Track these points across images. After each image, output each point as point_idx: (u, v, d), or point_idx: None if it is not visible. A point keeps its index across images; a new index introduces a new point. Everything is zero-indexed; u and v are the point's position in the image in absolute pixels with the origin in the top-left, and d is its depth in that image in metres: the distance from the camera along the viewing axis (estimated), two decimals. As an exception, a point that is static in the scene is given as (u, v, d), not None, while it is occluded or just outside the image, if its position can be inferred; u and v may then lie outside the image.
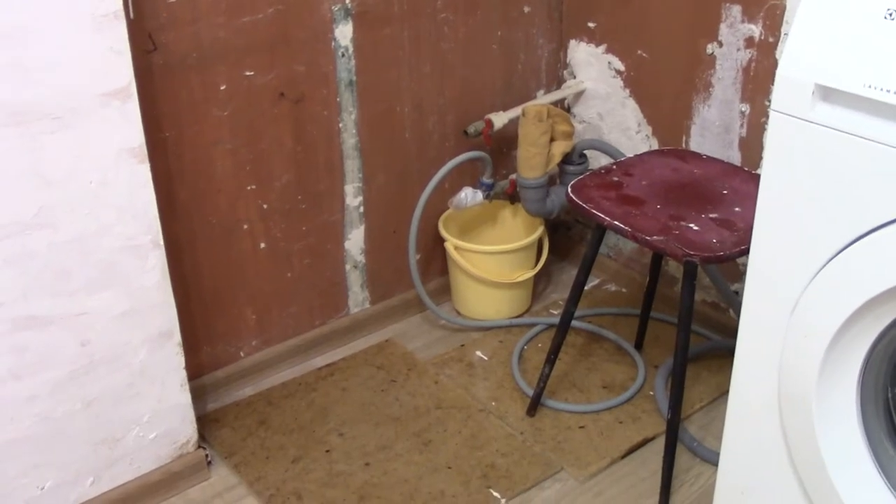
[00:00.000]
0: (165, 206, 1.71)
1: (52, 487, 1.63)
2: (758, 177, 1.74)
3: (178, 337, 1.72)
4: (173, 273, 1.68)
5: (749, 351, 1.30)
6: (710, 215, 1.64)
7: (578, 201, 1.68)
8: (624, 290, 2.44)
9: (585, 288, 2.42)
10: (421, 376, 2.12)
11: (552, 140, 2.13)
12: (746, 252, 1.56)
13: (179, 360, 1.74)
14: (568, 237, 2.59)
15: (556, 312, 2.35)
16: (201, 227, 1.91)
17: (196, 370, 1.99)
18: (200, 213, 1.89)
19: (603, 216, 1.64)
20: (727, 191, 1.72)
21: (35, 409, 1.56)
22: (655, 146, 2.25)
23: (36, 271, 1.49)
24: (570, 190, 1.71)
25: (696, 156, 1.86)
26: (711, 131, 2.11)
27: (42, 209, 1.46)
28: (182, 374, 1.75)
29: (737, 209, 1.66)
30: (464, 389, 2.08)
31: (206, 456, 1.84)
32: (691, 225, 1.61)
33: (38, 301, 1.50)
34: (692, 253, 1.54)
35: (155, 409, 1.73)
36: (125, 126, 1.50)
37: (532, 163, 2.13)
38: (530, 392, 2.02)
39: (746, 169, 1.83)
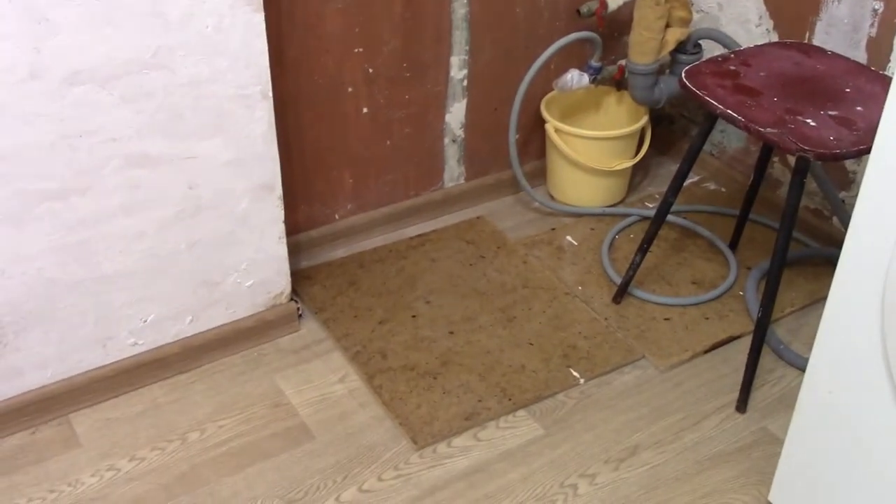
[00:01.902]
0: (275, 60, 1.72)
1: (154, 321, 1.72)
2: (885, 77, 1.66)
3: (279, 190, 1.76)
4: (277, 129, 1.70)
5: (856, 253, 1.26)
6: (830, 112, 1.58)
7: (692, 87, 1.63)
8: (723, 189, 2.38)
9: (684, 183, 2.39)
10: (510, 255, 2.13)
11: (668, 26, 2.06)
12: (864, 152, 1.50)
13: (279, 213, 1.78)
14: (670, 131, 2.52)
15: (651, 205, 2.32)
16: (307, 85, 1.92)
17: (292, 228, 2.04)
18: (307, 72, 1.91)
19: (716, 104, 1.59)
20: (850, 89, 1.65)
21: (143, 244, 1.63)
22: (775, 39, 2.15)
23: (151, 111, 1.53)
24: (683, 75, 1.66)
25: (821, 51, 1.77)
26: (839, 29, 2.01)
27: (160, 49, 1.48)
28: (280, 228, 1.79)
29: (859, 108, 1.59)
30: (551, 271, 2.09)
31: (298, 309, 1.90)
32: (808, 120, 1.55)
33: (151, 140, 1.55)
34: (806, 148, 1.49)
35: (253, 258, 1.78)
36: (243, -28, 1.51)
37: (645, 48, 2.06)
38: (618, 280, 2.02)
39: (874, 69, 1.74)
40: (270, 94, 1.64)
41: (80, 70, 1.43)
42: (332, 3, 1.85)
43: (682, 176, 1.79)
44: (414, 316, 1.94)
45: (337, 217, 2.14)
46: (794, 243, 2.16)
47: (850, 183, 2.08)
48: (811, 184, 2.17)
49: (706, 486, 1.60)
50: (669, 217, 2.20)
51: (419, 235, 2.19)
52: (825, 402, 1.36)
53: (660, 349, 1.88)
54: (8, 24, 1.34)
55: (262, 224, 1.76)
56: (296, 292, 1.95)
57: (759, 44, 1.82)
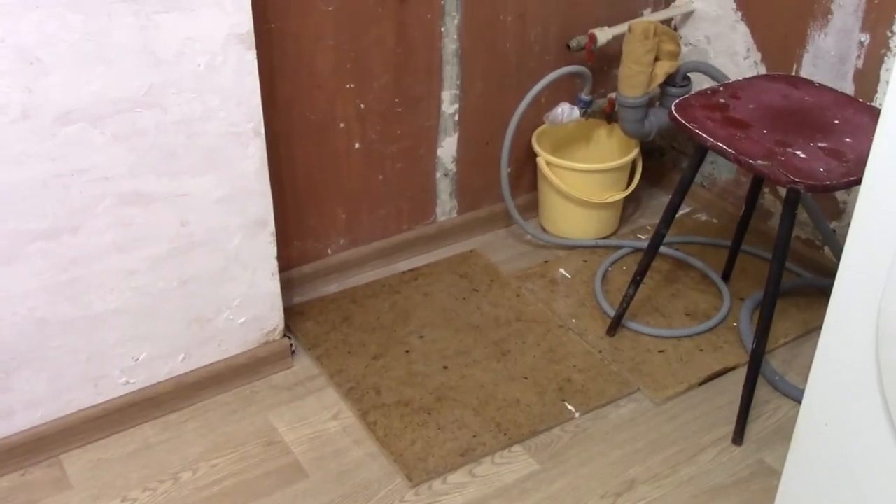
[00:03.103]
0: (267, 97, 1.72)
1: (146, 359, 1.70)
2: (873, 108, 1.68)
3: (272, 226, 1.76)
4: (270, 165, 1.70)
5: (849, 284, 1.26)
6: (819, 144, 1.59)
7: (682, 120, 1.65)
8: (715, 220, 2.39)
9: (677, 215, 2.40)
10: (503, 288, 2.13)
11: (656, 59, 2.08)
12: (855, 184, 1.51)
13: (272, 249, 1.78)
14: (661, 163, 2.54)
15: (643, 237, 2.32)
16: (299, 121, 1.93)
17: (285, 263, 2.04)
18: (299, 108, 1.91)
19: (706, 136, 1.60)
20: (839, 120, 1.66)
21: (135, 283, 1.62)
22: (764, 72, 2.17)
23: (143, 149, 1.53)
24: (673, 108, 1.67)
25: (808, 83, 1.79)
26: (825, 61, 2.03)
27: (152, 87, 1.49)
28: (273, 264, 1.79)
29: (847, 140, 1.60)
30: (545, 304, 2.08)
31: (291, 345, 1.89)
32: (798, 152, 1.56)
33: (143, 178, 1.55)
34: (797, 180, 1.49)
35: (245, 294, 1.78)
36: (235, 11, 1.51)
37: (634, 81, 2.08)
38: (611, 312, 2.02)
39: (861, 100, 1.75)
40: (262, 131, 1.65)
41: (72, 109, 1.43)
42: (324, 40, 1.86)
43: (673, 208, 1.80)
44: (407, 351, 1.94)
45: (330, 252, 2.14)
46: (787, 273, 2.16)
47: (841, 213, 2.09)
48: (802, 214, 2.18)
49: (704, 520, 1.59)
50: (662, 249, 2.20)
51: (412, 270, 2.19)
52: (821, 435, 1.35)
53: (655, 381, 1.87)
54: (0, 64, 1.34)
55: (254, 260, 1.76)
56: (289, 328, 1.94)
57: (747, 76, 1.84)
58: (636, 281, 1.92)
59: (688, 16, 2.31)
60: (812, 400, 1.36)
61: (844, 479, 1.33)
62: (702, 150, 1.70)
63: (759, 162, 1.53)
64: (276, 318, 1.85)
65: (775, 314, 2.01)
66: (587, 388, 1.85)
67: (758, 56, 2.18)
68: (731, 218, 2.35)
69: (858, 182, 1.51)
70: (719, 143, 1.58)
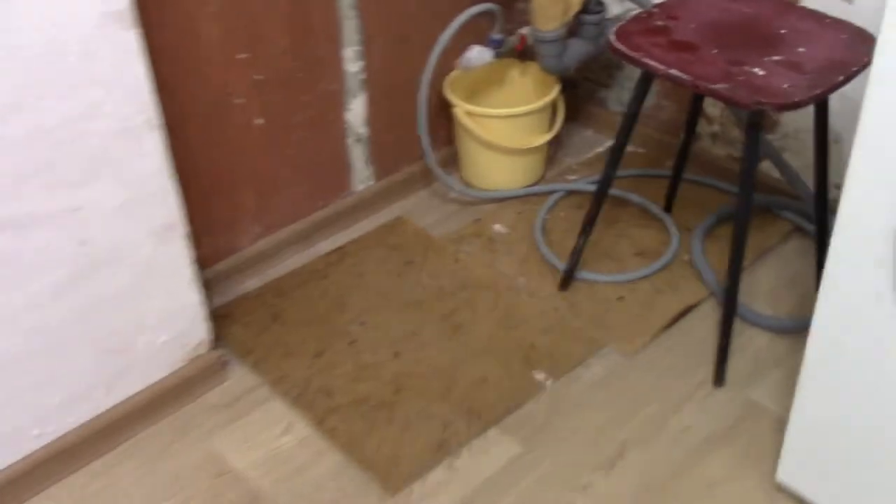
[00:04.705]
0: (154, 79, 1.48)
1: (63, 402, 1.47)
2: (816, 13, 1.57)
3: (183, 228, 1.53)
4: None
5: (860, 186, 1.13)
6: (773, 58, 1.47)
7: (626, 50, 1.50)
8: (641, 149, 2.28)
9: (598, 150, 2.27)
10: (439, 255, 1.96)
11: (570, -14, 1.92)
12: (822, 96, 1.40)
13: (186, 254, 1.56)
14: (575, 96, 2.40)
15: (572, 178, 2.19)
16: (190, 104, 1.69)
17: (198, 264, 1.81)
18: (188, 89, 1.67)
19: (657, 65, 1.46)
20: (785, 30, 1.54)
21: (30, 321, 1.38)
22: (677, -11, 2.04)
23: (17, 164, 1.27)
24: (614, 39, 1.52)
25: (742, -6, 1.67)
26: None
27: (18, 89, 1.23)
28: (190, 270, 1.57)
29: (801, 49, 1.49)
30: (488, 266, 1.93)
31: (222, 356, 1.68)
32: (755, 70, 1.44)
33: (20, 200, 1.29)
34: (763, 101, 1.37)
35: (163, 309, 1.55)
36: (106, -16, 1.27)
37: (549, 13, 1.92)
38: (560, 265, 1.88)
39: (801, 5, 1.64)
40: (158, 121, 1.41)
41: (-78, 128, 1.17)
42: (206, 6, 1.62)
43: (619, 148, 1.66)
44: (352, 342, 1.75)
45: (244, 244, 1.92)
46: (722, 194, 2.08)
47: (775, 125, 2.00)
48: (733, 131, 2.09)
49: (707, 476, 1.49)
50: (591, 187, 2.08)
51: (337, 249, 2.00)
52: (834, 360, 1.25)
53: (621, 334, 1.75)
54: None
55: (169, 270, 1.53)
56: (216, 337, 1.72)
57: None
58: (585, 230, 1.78)
59: (588, -64, 2.15)
60: (821, 323, 1.26)
61: (864, 403, 1.23)
62: (646, 82, 1.56)
63: (720, 85, 1.41)
64: (201, 331, 1.63)
65: (722, 240, 1.93)
66: (553, 353, 1.71)
67: (669, -29, 2.04)
68: (658, 145, 2.25)
69: (826, 94, 1.40)
70: (672, 71, 1.44)
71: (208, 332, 1.65)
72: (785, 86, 1.40)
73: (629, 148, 2.24)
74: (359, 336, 1.76)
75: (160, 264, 1.51)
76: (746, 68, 1.44)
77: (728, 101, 1.42)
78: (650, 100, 2.25)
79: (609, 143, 2.31)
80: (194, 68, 1.66)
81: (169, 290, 1.54)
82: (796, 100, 1.37)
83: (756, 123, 1.45)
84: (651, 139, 2.27)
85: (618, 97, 2.32)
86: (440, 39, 1.96)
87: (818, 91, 1.39)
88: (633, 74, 2.24)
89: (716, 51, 1.49)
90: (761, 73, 1.43)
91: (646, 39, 1.52)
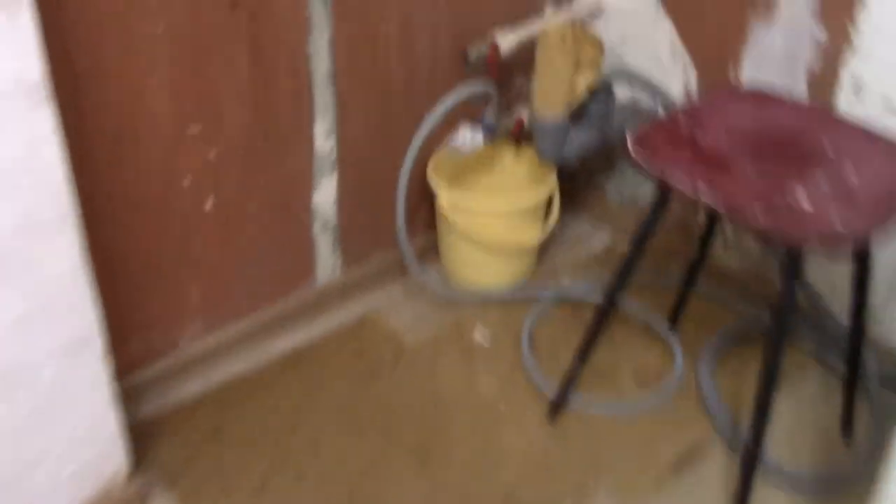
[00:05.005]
0: (80, 160, 1.23)
1: (-73, 558, 1.18)
2: (863, 129, 1.35)
3: (100, 342, 1.26)
4: (91, 242, 1.21)
5: None
6: (820, 181, 1.24)
7: (648, 161, 1.26)
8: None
9: (594, 247, 2.04)
10: (411, 366, 1.70)
11: (576, 69, 1.69)
12: (880, 234, 1.17)
13: (104, 371, 1.29)
14: (571, 184, 2.16)
15: (565, 280, 1.95)
16: (129, 185, 1.43)
17: (125, 366, 1.54)
18: (127, 167, 1.41)
19: (684, 182, 1.22)
20: (828, 144, 1.32)
21: None
22: (693, 78, 1.83)
23: None
24: (633, 146, 1.29)
25: (776, 99, 1.44)
26: (772, 61, 1.70)
27: None
28: (108, 390, 1.30)
29: (849, 171, 1.26)
30: (466, 383, 1.67)
31: (143, 487, 1.40)
32: (799, 196, 1.21)
33: None
34: (812, 239, 1.14)
35: (72, 437, 1.28)
36: (16, 53, 1.01)
37: (552, 98, 1.69)
38: (548, 389, 1.63)
39: (845, 118, 1.42)
40: (74, 215, 1.15)
41: None
42: (154, 74, 1.37)
43: (628, 266, 1.42)
44: (299, 476, 1.48)
45: (183, 342, 1.65)
46: (728, 311, 1.84)
47: (798, 239, 1.77)
48: (745, 240, 1.86)
49: None
50: (586, 295, 1.85)
51: (293, 352, 1.73)
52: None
53: (617, 480, 1.50)
54: None
55: (80, 391, 1.26)
56: (138, 459, 1.45)
57: (709, 93, 1.48)
58: (581, 356, 1.53)
59: (596, 11, 1.93)
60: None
61: None
62: (667, 196, 1.32)
63: (760, 217, 1.17)
64: (117, 458, 1.36)
65: (736, 365, 1.71)
66: (539, 502, 1.45)
67: (687, 57, 1.83)
68: (660, 246, 2.01)
69: (883, 232, 1.17)
70: (701, 191, 1.21)
71: (127, 457, 1.38)
72: (835, 221, 1.16)
73: (626, 245, 2.02)
74: (310, 468, 1.49)
75: (69, 385, 1.24)
76: (789, 194, 1.21)
77: (767, 236, 1.18)
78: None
79: (606, 238, 2.08)
80: (137, 143, 1.41)
81: (80, 414, 1.27)
82: (849, 239, 1.14)
83: (796, 261, 1.21)
84: (656, 239, 2.03)
85: (618, 186, 2.09)
86: (426, 121, 1.72)
87: (874, 229, 1.16)
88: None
89: (750, 168, 1.26)
90: (806, 200, 1.20)
91: (670, 150, 1.29)
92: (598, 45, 1.69)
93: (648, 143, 1.29)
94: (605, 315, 1.46)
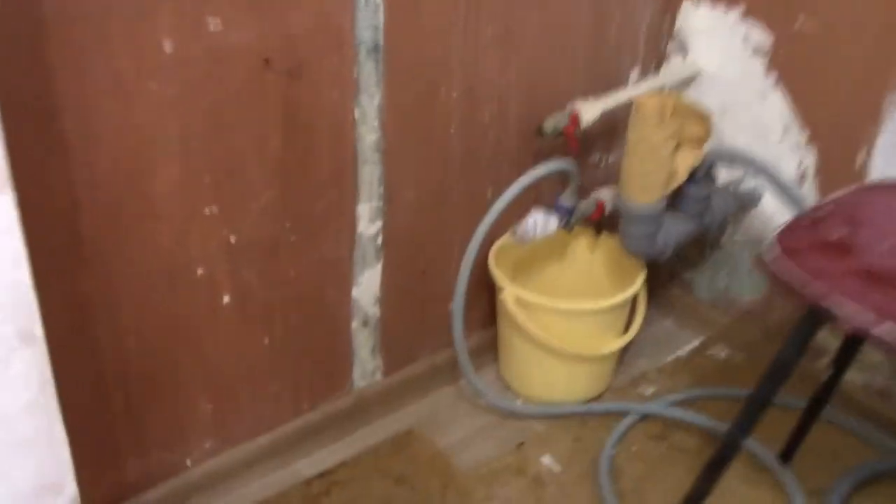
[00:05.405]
0: (67, 241, 0.97)
1: None
2: None
3: (72, 489, 0.97)
4: (78, 344, 0.95)
5: None
6: None
7: (801, 278, 0.95)
8: (739, 356, 1.73)
9: (680, 352, 1.73)
10: (462, 500, 1.39)
11: (676, 148, 1.40)
12: None
13: (77, 521, 0.99)
14: (655, 273, 1.86)
15: (649, 391, 1.63)
16: (129, 275, 1.16)
17: (116, 492, 1.26)
18: (126, 254, 1.14)
19: (864, 316, 0.91)
20: None
21: None
22: (811, 160, 1.53)
23: None
24: (775, 254, 0.98)
25: (942, 191, 1.14)
26: (914, 145, 1.40)
27: None
28: (81, 548, 1.00)
29: None
30: (531, 526, 1.36)
31: None
32: None
33: None
34: None
35: None
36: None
37: (647, 182, 1.40)
38: (635, 537, 1.31)
39: None
40: (38, 331, 0.87)
41: None
42: (163, 142, 1.10)
43: (762, 402, 1.10)
44: None
45: (190, 463, 1.36)
46: (866, 445, 1.51)
47: (942, 359, 1.45)
48: (871, 355, 1.54)
49: None
50: (677, 413, 1.54)
51: (321, 476, 1.43)
52: None
53: None
54: None
55: (42, 552, 0.96)
56: None
57: (851, 189, 1.17)
58: (688, 506, 1.21)
59: (690, 79, 1.65)
60: None
61: None
62: (816, 321, 1.01)
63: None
64: None
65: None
66: None
67: (803, 134, 1.53)
68: (761, 353, 1.69)
69: None
70: (875, 324, 0.90)
71: None
72: None
73: (721, 353, 1.71)
74: None
75: (28, 545, 0.95)
76: None
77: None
78: (756, 293, 1.70)
79: (694, 343, 1.77)
80: (139, 224, 1.14)
81: (41, 580, 0.98)
82: None
83: None
84: (752, 345, 1.72)
85: (710, 283, 1.78)
86: (495, 205, 1.44)
87: None
88: (732, 257, 1.71)
89: (935, 290, 0.95)
90: None
91: (821, 260, 0.98)
92: (705, 121, 1.39)
93: (795, 251, 0.98)
94: (723, 462, 1.14)
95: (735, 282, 1.74)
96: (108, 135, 1.05)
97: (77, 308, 1.12)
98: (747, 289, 1.72)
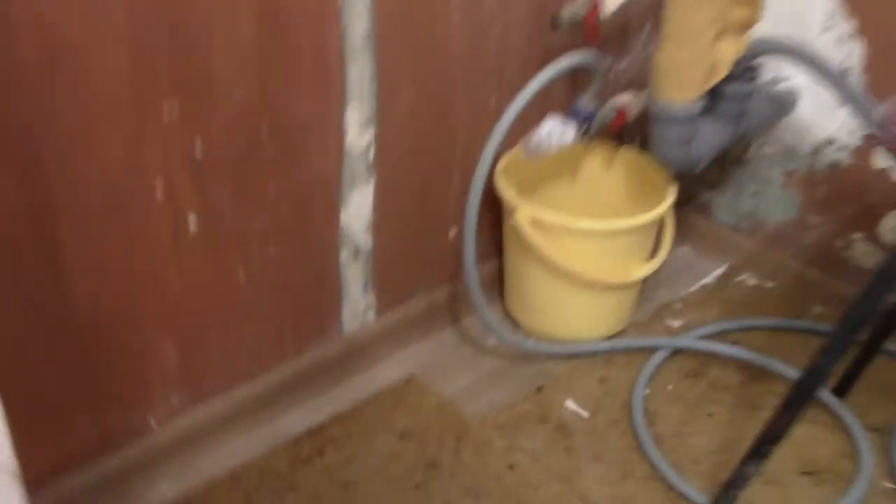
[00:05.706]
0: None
1: None
2: None
3: (9, 459, 0.75)
4: (10, 292, 0.74)
5: None
6: None
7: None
8: (770, 283, 1.55)
9: (705, 280, 1.55)
10: (480, 453, 1.20)
11: (720, 34, 1.19)
12: None
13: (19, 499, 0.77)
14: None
15: (676, 324, 1.45)
16: (70, 195, 0.92)
17: (65, 461, 1.03)
18: (70, 169, 0.91)
19: None
20: None
21: None
22: (858, 52, 1.33)
23: None
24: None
25: None
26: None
27: None
28: (23, 534, 0.78)
29: None
30: (564, 483, 1.16)
31: None
32: None
33: None
34: None
35: None
36: None
37: (684, 76, 1.19)
38: (682, 485, 1.13)
39: None
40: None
41: None
42: (106, 23, 0.86)
43: (842, 345, 0.91)
44: None
45: (153, 423, 1.13)
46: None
47: None
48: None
49: None
50: (714, 346, 1.35)
51: (311, 432, 1.22)
52: None
53: None
54: None
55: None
56: None
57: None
58: (760, 451, 1.02)
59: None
60: None
61: None
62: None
63: None
64: None
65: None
66: None
67: (849, 23, 1.34)
68: (797, 281, 1.52)
69: None
70: None
71: None
72: None
73: (750, 280, 1.53)
74: None
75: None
76: None
77: None
78: (789, 213, 1.52)
79: (719, 269, 1.58)
80: (85, 136, 0.90)
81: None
82: None
83: None
84: (784, 270, 1.54)
85: (732, 204, 1.59)
86: (513, 103, 1.21)
87: None
88: (759, 173, 1.52)
89: None
90: None
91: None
92: (753, 0, 1.18)
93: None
94: (805, 399, 0.95)
95: (763, 202, 1.55)
96: (32, 20, 0.81)
97: (7, 239, 0.88)
98: (778, 209, 1.53)
